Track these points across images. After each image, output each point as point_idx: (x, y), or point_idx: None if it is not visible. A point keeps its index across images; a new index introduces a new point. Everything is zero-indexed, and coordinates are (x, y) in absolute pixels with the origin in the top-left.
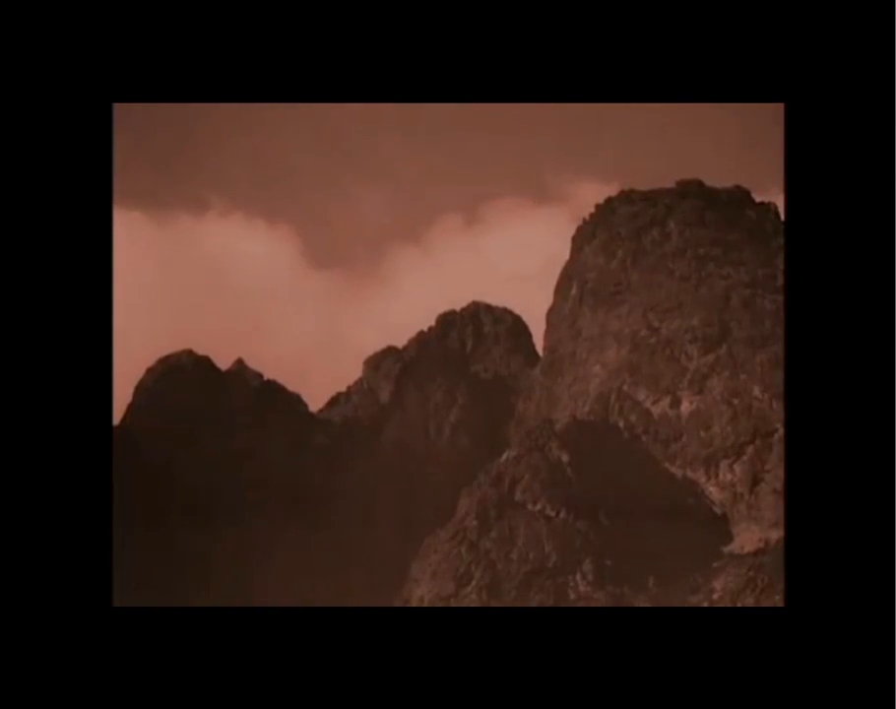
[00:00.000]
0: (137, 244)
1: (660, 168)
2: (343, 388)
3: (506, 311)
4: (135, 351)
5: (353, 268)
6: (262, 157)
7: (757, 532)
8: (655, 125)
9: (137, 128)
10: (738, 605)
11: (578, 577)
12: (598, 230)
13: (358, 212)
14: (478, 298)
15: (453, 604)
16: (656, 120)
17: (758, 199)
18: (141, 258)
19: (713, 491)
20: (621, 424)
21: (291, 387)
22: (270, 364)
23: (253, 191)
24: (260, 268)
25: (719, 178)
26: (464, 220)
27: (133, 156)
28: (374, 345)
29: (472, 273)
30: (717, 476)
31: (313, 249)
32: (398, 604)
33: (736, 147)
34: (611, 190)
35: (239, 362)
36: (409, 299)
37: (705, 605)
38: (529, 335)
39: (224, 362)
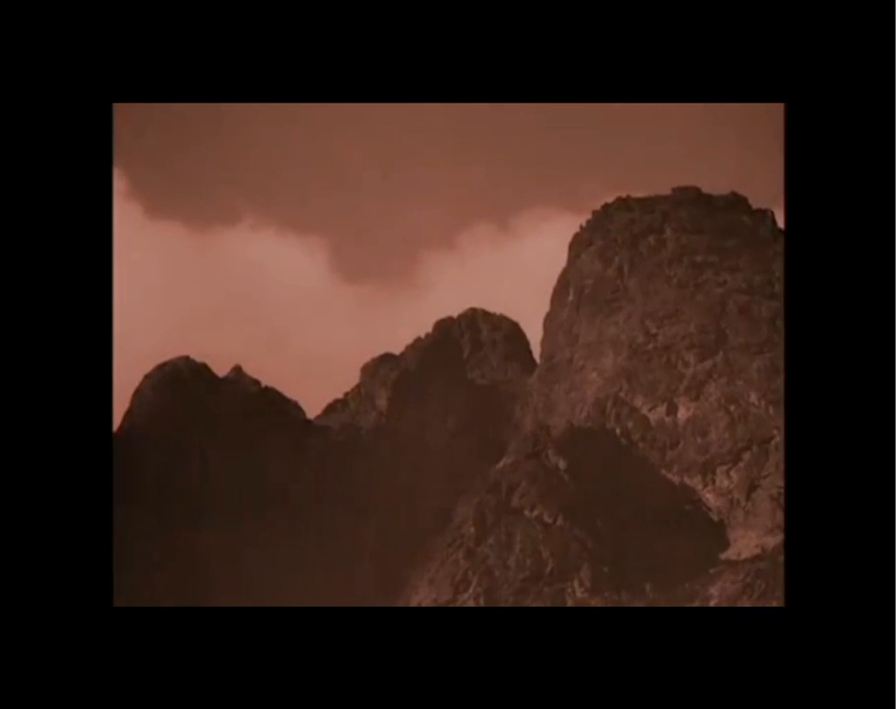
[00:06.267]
0: (159, 253)
1: (664, 173)
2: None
3: (503, 318)
4: (136, 358)
5: (384, 277)
6: (290, 164)
7: (754, 538)
8: (666, 131)
9: (169, 136)
10: None
11: (575, 583)
12: (595, 237)
13: (390, 221)
14: (510, 306)
15: None
16: (667, 126)
17: (755, 206)
18: (160, 267)
19: (710, 498)
20: (618, 431)
21: (314, 396)
22: (295, 374)
23: (284, 200)
24: (289, 279)
25: (716, 185)
26: (497, 227)
27: (171, 168)
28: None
29: (505, 281)
30: (714, 482)
31: (344, 260)
32: None
33: (734, 154)
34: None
35: (237, 369)
36: (440, 308)
37: None
38: (526, 341)
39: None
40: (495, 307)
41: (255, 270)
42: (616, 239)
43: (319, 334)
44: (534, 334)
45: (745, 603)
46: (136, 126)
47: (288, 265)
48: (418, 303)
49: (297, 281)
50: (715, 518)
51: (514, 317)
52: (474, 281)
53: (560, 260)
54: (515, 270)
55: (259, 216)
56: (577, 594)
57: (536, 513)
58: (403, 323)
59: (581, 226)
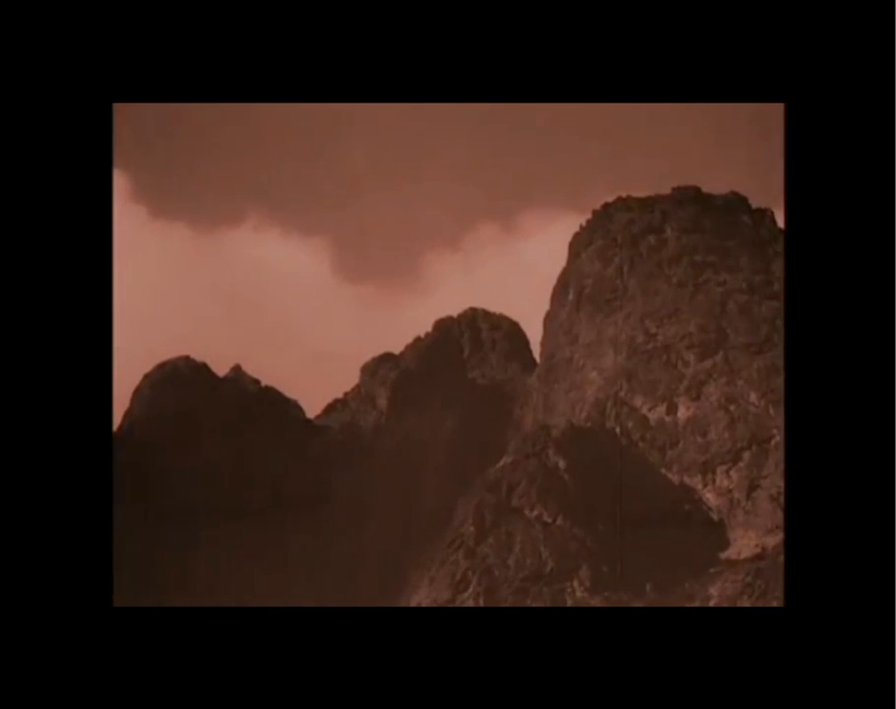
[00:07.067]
0: (161, 254)
1: (661, 173)
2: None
3: (503, 317)
4: (136, 358)
5: (388, 278)
6: (293, 165)
7: (754, 538)
8: (666, 131)
9: (174, 137)
10: None
11: (575, 583)
12: (594, 237)
13: (394, 222)
14: (515, 307)
15: None
16: (668, 126)
17: (755, 206)
18: (161, 268)
19: (710, 498)
20: (618, 431)
21: (314, 396)
22: (295, 374)
23: (287, 201)
24: (292, 279)
25: (716, 185)
26: (501, 227)
27: (176, 170)
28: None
29: (509, 281)
30: (714, 482)
31: (347, 261)
32: None
33: (734, 154)
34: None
35: (236, 369)
36: (445, 309)
37: None
38: (526, 341)
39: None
40: (500, 308)
41: (258, 270)
42: (616, 239)
43: (321, 334)
44: (534, 333)
45: (745, 603)
46: (141, 128)
47: (292, 265)
48: (422, 305)
49: (300, 281)
50: (715, 518)
51: (518, 317)
52: (478, 282)
53: (564, 260)
54: (520, 271)
55: (262, 217)
56: (577, 593)
57: (536, 513)
58: (407, 324)
59: (581, 226)
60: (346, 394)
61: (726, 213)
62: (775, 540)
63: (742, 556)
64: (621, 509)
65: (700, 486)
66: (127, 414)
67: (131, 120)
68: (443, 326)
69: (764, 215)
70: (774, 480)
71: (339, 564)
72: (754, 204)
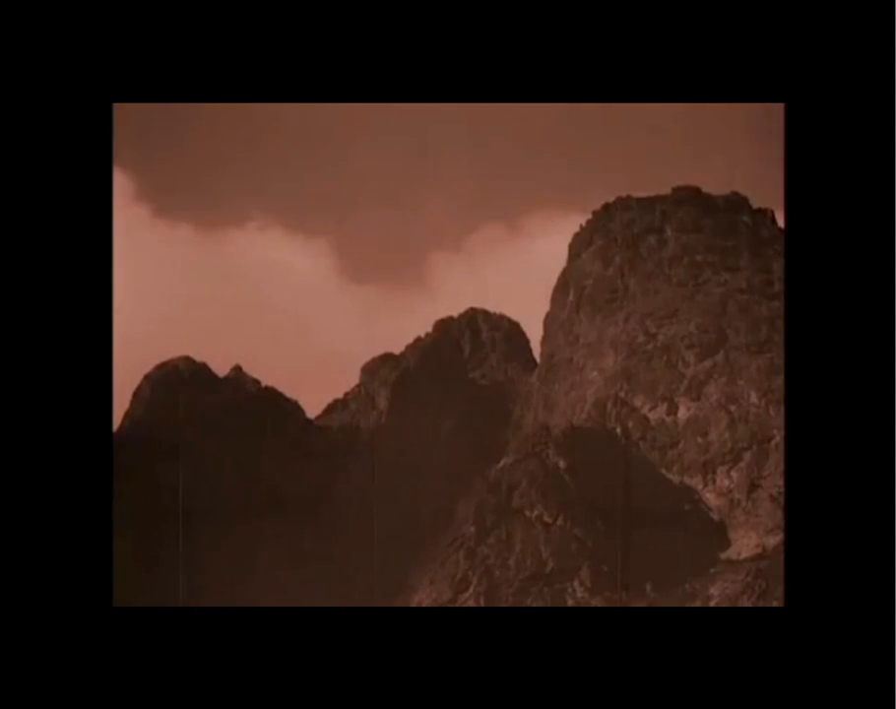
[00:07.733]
0: (162, 254)
1: (662, 173)
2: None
3: (503, 318)
4: (136, 358)
5: (392, 279)
6: (297, 166)
7: (755, 538)
8: (666, 131)
9: (178, 137)
10: None
11: (576, 583)
12: (595, 237)
13: (398, 223)
14: (519, 308)
15: None
16: (667, 126)
17: (755, 206)
18: (163, 268)
19: (710, 498)
20: (618, 431)
21: (314, 396)
22: (295, 374)
23: (292, 202)
24: (295, 279)
25: (716, 185)
26: (506, 228)
27: (180, 170)
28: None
29: (514, 282)
30: (714, 482)
31: (351, 261)
32: None
33: (734, 154)
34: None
35: (236, 369)
36: (449, 310)
37: None
38: (526, 341)
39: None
40: (504, 309)
41: (258, 271)
42: (616, 239)
43: (322, 335)
44: (534, 334)
45: (745, 603)
46: (141, 128)
47: (295, 266)
48: (426, 306)
49: (302, 282)
50: (715, 518)
51: (519, 317)
52: (482, 283)
53: (565, 260)
54: (524, 271)
55: (267, 217)
56: (577, 594)
57: (536, 513)
58: (411, 326)
59: (581, 226)
60: (346, 394)
61: (726, 213)
62: (775, 540)
63: (743, 556)
64: (622, 509)
65: (700, 486)
66: (127, 414)
67: (131, 120)
68: (443, 326)
69: (764, 215)
70: (774, 480)
71: (339, 564)
72: (754, 204)
